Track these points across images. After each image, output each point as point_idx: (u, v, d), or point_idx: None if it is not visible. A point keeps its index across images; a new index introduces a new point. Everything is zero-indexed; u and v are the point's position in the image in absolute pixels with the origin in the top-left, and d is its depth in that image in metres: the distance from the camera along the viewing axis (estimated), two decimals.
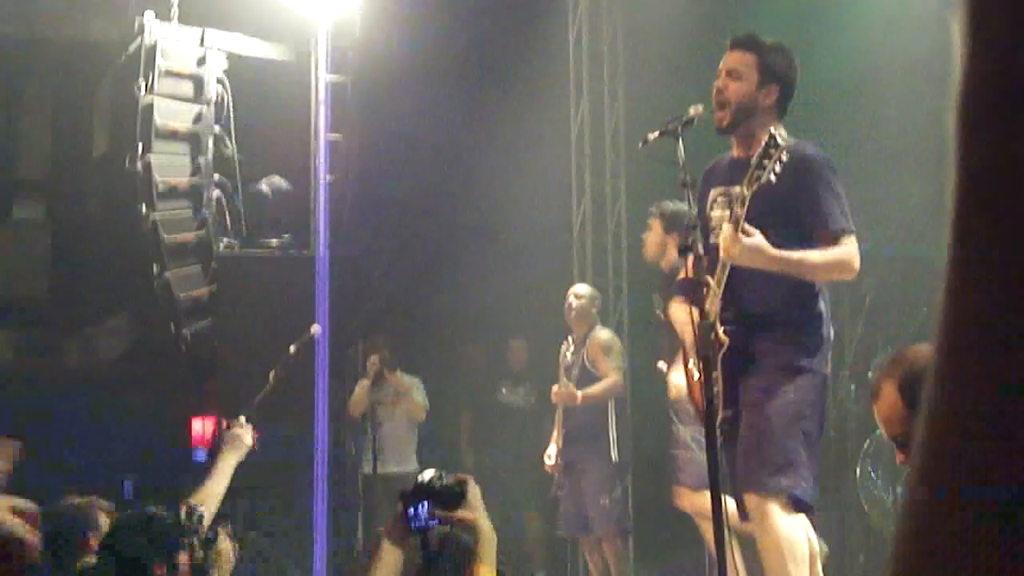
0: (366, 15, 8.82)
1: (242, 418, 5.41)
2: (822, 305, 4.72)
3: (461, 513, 3.37)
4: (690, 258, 4.46)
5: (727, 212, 4.61)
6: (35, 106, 8.61)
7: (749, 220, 4.40)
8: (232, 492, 4.99)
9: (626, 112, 10.01)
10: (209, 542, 4.00)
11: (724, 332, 4.54)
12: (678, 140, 4.52)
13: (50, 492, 4.50)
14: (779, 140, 4.30)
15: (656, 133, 4.64)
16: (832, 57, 8.11)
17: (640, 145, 4.70)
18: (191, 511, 4.05)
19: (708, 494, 4.15)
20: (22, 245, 8.68)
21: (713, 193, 4.83)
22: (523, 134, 9.61)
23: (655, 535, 8.50)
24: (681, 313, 4.81)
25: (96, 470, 7.82)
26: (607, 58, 10.11)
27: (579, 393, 7.65)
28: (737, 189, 4.49)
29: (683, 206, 6.73)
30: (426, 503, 3.38)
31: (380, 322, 9.36)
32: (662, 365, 6.78)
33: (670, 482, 6.68)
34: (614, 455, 7.77)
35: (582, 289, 8.17)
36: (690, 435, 6.55)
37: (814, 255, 4.53)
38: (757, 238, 4.41)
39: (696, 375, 4.64)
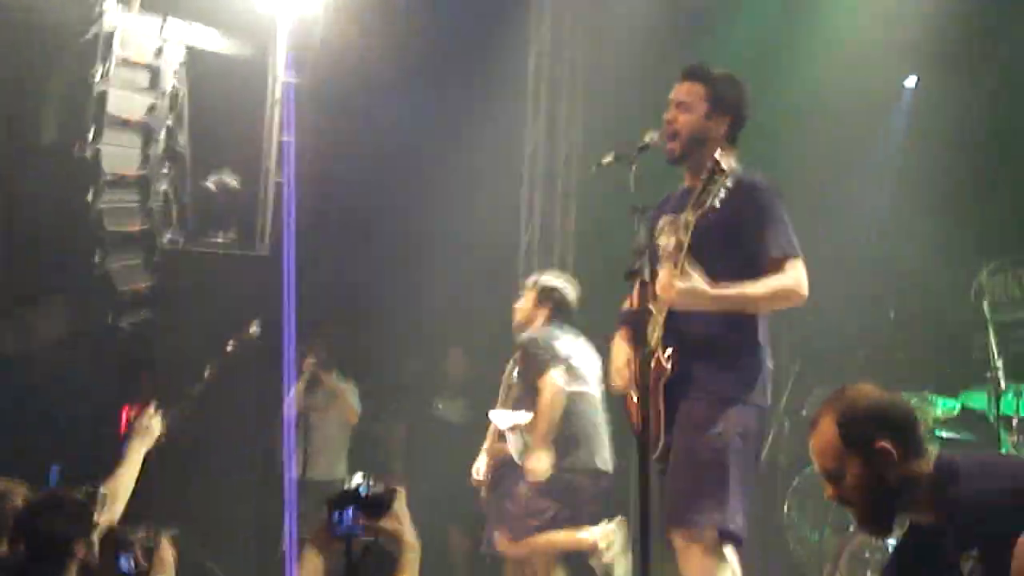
0: (327, 18, 8.80)
1: (151, 407, 5.39)
2: (762, 332, 4.72)
3: (386, 522, 3.35)
4: (636, 285, 4.47)
5: (672, 239, 4.62)
6: None
7: (693, 246, 4.41)
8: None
9: (582, 136, 10.04)
10: (150, 550, 3.95)
11: (667, 359, 4.53)
12: (631, 166, 4.53)
13: None
14: (724, 166, 4.30)
15: (610, 157, 4.66)
16: (790, 84, 8.23)
17: (593, 169, 4.71)
18: (91, 494, 4.02)
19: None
20: None
21: (662, 221, 4.84)
22: (478, 147, 9.62)
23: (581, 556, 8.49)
24: (621, 352, 4.81)
25: (23, 455, 7.70)
26: (565, 81, 10.15)
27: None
28: (683, 216, 4.48)
29: (559, 283, 7.22)
30: (352, 510, 3.36)
31: (321, 324, 9.30)
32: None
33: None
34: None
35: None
36: (526, 491, 6.94)
37: (756, 287, 4.52)
38: (694, 280, 4.41)
39: (634, 399, 4.65)
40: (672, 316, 4.53)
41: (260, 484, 8.87)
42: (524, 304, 7.32)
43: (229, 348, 7.32)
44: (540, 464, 6.88)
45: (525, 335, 7.20)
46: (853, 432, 3.37)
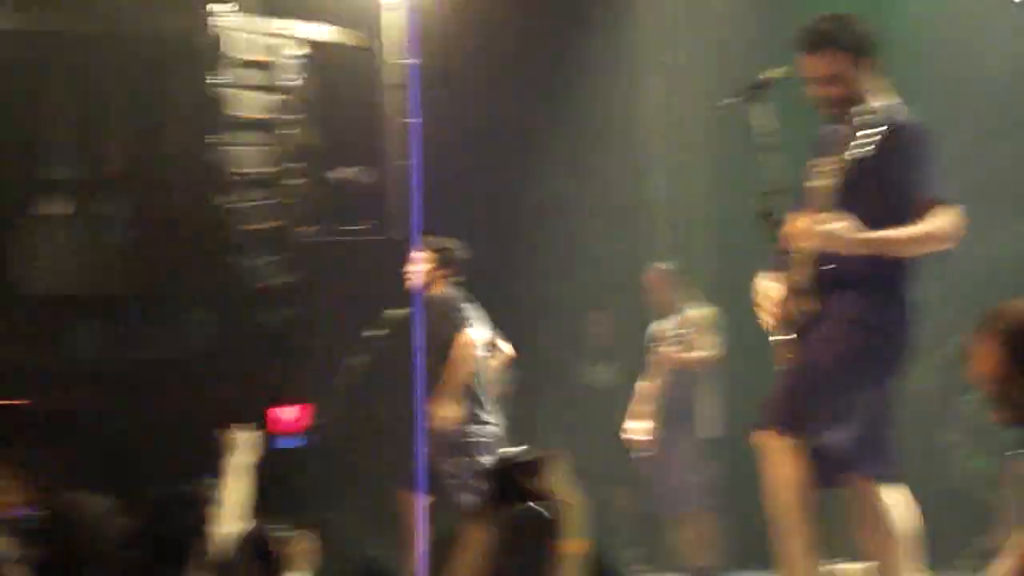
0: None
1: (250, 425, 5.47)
2: (909, 268, 4.62)
3: (546, 488, 3.33)
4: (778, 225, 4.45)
5: (820, 182, 4.56)
6: (111, 101, 8.68)
7: (841, 190, 4.38)
8: None
9: (703, 85, 9.86)
10: (281, 542, 4.00)
11: (809, 299, 4.49)
12: (756, 103, 4.46)
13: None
14: (870, 110, 4.23)
15: (733, 98, 4.58)
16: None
17: (717, 108, 4.64)
18: (206, 491, 4.09)
19: None
20: (102, 240, 8.76)
21: (815, 162, 4.77)
22: (599, 109, 9.53)
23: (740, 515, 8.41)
24: (771, 290, 4.75)
25: (166, 460, 7.83)
26: (680, 30, 9.98)
27: (675, 355, 7.63)
28: (829, 160, 4.47)
29: (449, 242, 7.47)
30: (511, 478, 3.35)
31: None
32: None
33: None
34: (704, 432, 7.72)
35: (654, 270, 8.11)
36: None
37: (901, 232, 4.44)
38: (841, 223, 4.37)
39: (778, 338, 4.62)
40: (818, 256, 4.49)
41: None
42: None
43: (371, 336, 7.41)
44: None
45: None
46: (1021, 348, 3.23)
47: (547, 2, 9.71)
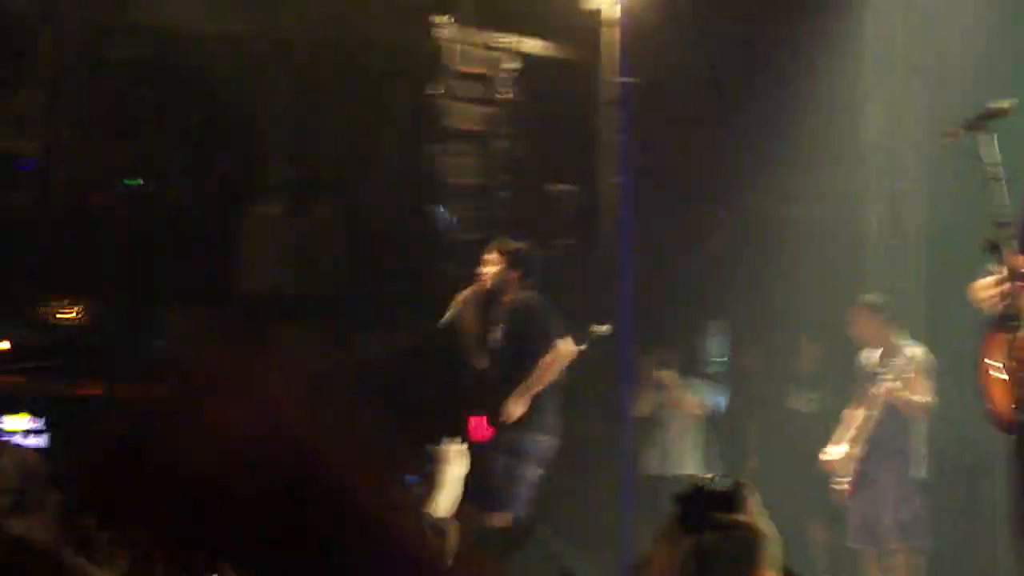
0: (658, 16, 8.75)
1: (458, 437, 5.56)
2: None
3: (739, 516, 3.26)
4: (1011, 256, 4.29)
5: None
6: (329, 106, 8.91)
7: None
8: None
9: (926, 114, 9.58)
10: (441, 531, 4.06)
11: None
12: (984, 135, 4.31)
13: None
14: None
15: (959, 128, 4.45)
16: None
17: (946, 140, 4.49)
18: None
19: None
20: (319, 242, 8.99)
21: None
22: (818, 134, 9.36)
23: (947, 556, 8.12)
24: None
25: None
26: (899, 58, 9.72)
27: (901, 392, 7.42)
28: None
29: (520, 244, 7.33)
30: (701, 505, 3.29)
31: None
32: None
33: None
34: (918, 471, 7.52)
35: (863, 301, 7.91)
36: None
37: None
38: None
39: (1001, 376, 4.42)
40: None
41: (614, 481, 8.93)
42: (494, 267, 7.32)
43: (581, 347, 7.42)
44: None
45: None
46: None
47: (768, 25, 9.57)
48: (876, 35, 9.75)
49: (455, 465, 5.34)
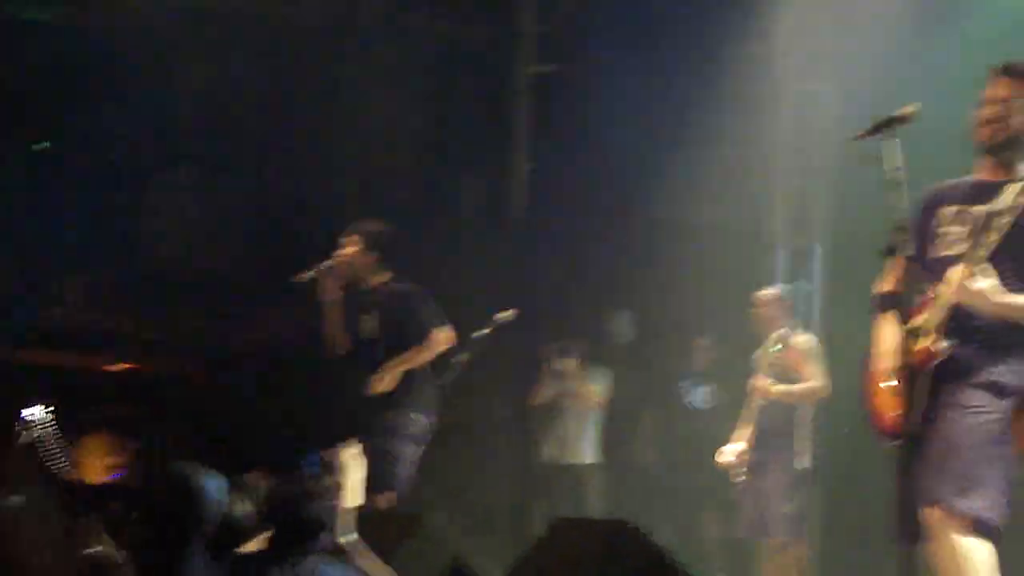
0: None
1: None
2: None
3: None
4: (899, 262, 4.35)
5: (963, 231, 4.50)
6: (240, 82, 8.82)
7: (994, 249, 4.33)
8: None
9: (835, 113, 9.71)
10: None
11: (944, 346, 4.37)
12: (887, 139, 4.38)
13: None
14: None
15: (866, 131, 4.51)
16: None
17: (854, 139, 4.55)
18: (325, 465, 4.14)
19: None
20: (225, 219, 8.91)
21: (948, 209, 4.64)
22: (724, 134, 9.45)
23: (841, 547, 8.28)
24: (891, 336, 4.61)
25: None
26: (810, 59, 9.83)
27: (773, 388, 7.50)
28: (977, 209, 4.43)
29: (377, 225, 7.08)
30: None
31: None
32: None
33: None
34: (800, 463, 7.59)
35: (764, 294, 7.98)
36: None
37: None
38: (984, 283, 4.29)
39: (891, 384, 4.48)
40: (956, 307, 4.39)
41: (517, 470, 9.00)
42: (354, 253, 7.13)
43: (481, 335, 7.42)
44: None
45: None
46: None
47: (693, 27, 9.64)
48: (786, 35, 9.85)
49: (353, 471, 5.29)
